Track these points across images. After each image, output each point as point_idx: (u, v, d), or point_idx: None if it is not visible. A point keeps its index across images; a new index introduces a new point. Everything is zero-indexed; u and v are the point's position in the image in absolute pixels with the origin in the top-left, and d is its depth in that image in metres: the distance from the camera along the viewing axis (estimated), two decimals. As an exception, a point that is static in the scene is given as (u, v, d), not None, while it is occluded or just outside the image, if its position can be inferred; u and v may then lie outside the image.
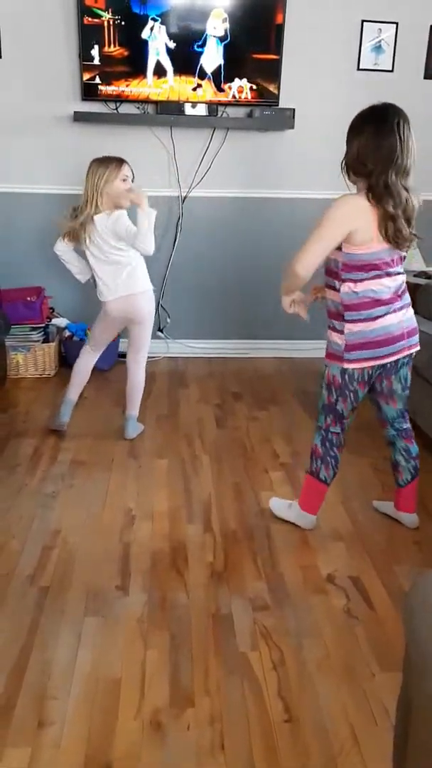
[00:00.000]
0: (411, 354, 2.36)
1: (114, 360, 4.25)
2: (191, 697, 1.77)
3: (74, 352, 3.70)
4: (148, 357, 4.35)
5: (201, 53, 3.93)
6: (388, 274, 2.22)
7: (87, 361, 3.32)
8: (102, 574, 2.26)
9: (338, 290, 2.24)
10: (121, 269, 3.09)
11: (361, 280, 2.21)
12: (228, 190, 4.29)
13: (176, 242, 4.34)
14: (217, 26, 3.91)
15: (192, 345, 4.54)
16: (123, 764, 1.57)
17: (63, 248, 3.15)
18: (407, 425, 2.52)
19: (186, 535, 2.51)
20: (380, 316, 2.24)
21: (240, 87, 3.98)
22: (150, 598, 2.15)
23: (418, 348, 2.36)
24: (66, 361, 4.10)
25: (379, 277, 2.21)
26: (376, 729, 1.69)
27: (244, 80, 3.99)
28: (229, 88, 4.00)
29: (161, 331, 4.48)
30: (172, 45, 3.89)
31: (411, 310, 2.34)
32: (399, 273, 2.27)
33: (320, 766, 1.58)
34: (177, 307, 4.47)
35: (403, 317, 2.29)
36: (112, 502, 2.73)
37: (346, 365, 2.28)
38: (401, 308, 2.29)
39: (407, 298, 2.33)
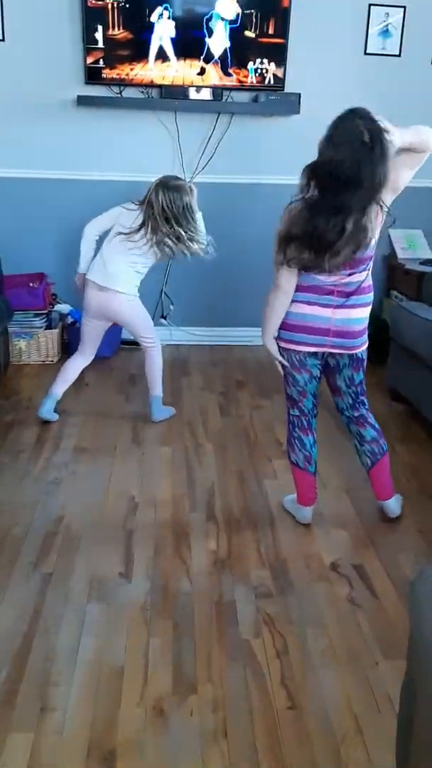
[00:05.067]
0: (352, 356, 2.34)
1: (117, 346, 4.24)
2: (194, 684, 1.77)
3: (77, 339, 3.68)
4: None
5: (208, 36, 3.89)
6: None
7: (77, 365, 3.31)
8: (105, 561, 2.26)
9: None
10: (122, 267, 3.13)
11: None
12: (233, 176, 4.26)
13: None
14: (227, 7, 3.86)
15: (195, 332, 4.52)
16: (126, 751, 1.57)
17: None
18: (359, 412, 2.47)
19: (189, 522, 2.51)
20: (305, 303, 2.25)
21: (263, 70, 3.95)
22: (153, 586, 2.15)
23: (356, 353, 2.34)
24: (69, 347, 4.09)
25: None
26: (380, 717, 1.68)
27: (271, 64, 3.97)
28: (237, 72, 3.96)
29: (164, 318, 4.47)
30: (173, 31, 3.85)
31: (357, 313, 2.27)
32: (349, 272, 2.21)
33: (323, 753, 1.58)
34: (180, 294, 4.44)
35: (338, 316, 2.25)
36: (115, 489, 2.72)
37: (278, 342, 2.35)
38: (339, 306, 2.24)
39: (359, 299, 2.26)
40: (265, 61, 3.97)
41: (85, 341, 3.29)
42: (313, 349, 2.31)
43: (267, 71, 3.99)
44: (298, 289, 2.26)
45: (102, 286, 3.13)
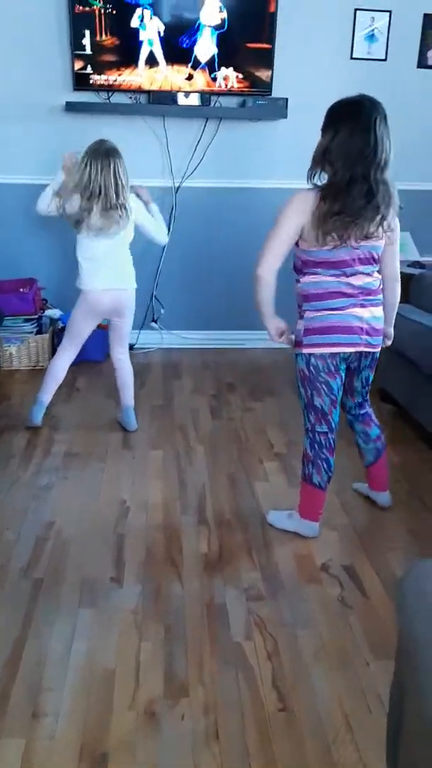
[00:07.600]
0: (373, 356, 2.36)
1: (107, 351, 4.23)
2: (186, 687, 1.77)
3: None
4: (143, 348, 4.41)
5: (194, 43, 3.91)
6: (345, 274, 2.22)
7: (66, 362, 3.23)
8: (96, 565, 2.26)
9: (299, 282, 2.30)
10: (122, 262, 3.10)
11: (317, 274, 2.23)
12: (221, 180, 4.27)
13: (169, 233, 4.30)
14: (212, 15, 3.88)
15: (186, 336, 4.53)
16: (118, 754, 1.57)
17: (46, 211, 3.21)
18: (365, 410, 2.52)
19: (180, 525, 2.51)
20: (338, 308, 2.23)
21: (226, 76, 3.96)
22: (144, 589, 2.15)
23: (376, 352, 2.36)
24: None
25: (336, 276, 2.22)
26: (370, 717, 1.69)
27: (230, 69, 3.98)
28: (220, 78, 3.98)
29: (155, 321, 4.47)
30: (161, 33, 3.86)
31: (380, 311, 2.31)
32: (364, 273, 2.24)
33: (314, 754, 1.59)
34: (171, 297, 4.45)
35: (366, 314, 2.27)
36: (107, 493, 2.72)
37: (305, 350, 2.28)
38: (364, 306, 2.26)
39: (378, 298, 2.31)
40: (237, 65, 3.98)
41: (81, 339, 3.21)
42: (350, 350, 2.29)
43: (240, 75, 3.99)
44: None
45: (119, 289, 3.10)
